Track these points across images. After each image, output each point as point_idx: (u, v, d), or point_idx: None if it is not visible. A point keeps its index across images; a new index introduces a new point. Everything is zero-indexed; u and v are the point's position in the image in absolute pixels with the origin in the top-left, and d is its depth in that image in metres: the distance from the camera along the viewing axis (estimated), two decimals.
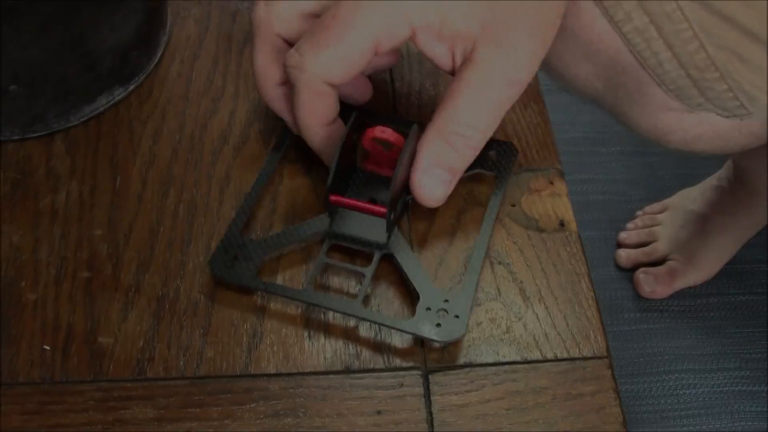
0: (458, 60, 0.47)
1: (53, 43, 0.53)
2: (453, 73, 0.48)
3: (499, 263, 0.50)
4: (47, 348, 0.46)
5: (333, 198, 0.48)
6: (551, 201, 0.53)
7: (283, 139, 0.55)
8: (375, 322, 0.47)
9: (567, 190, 0.54)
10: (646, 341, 1.29)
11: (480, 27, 0.46)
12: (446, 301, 0.47)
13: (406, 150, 0.47)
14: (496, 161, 0.54)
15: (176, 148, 0.56)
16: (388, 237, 0.49)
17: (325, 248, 0.49)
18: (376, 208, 0.48)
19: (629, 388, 1.25)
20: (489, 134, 0.48)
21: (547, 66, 0.64)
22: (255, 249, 0.49)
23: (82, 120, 0.57)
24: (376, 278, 0.49)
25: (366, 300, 0.48)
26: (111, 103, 0.58)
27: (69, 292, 0.49)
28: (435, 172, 0.47)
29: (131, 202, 0.53)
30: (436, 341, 0.46)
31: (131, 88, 0.58)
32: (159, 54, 0.61)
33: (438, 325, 0.46)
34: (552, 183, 0.54)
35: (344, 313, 0.47)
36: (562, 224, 0.52)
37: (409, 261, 0.49)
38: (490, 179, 0.54)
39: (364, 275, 0.48)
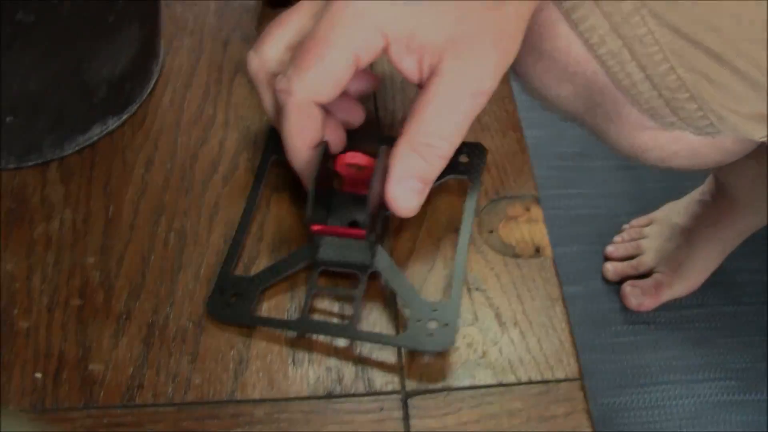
0: (425, 72, 0.49)
1: (50, 74, 0.54)
2: (421, 85, 0.50)
3: (477, 289, 0.52)
4: (39, 375, 0.48)
5: (314, 228, 0.50)
6: (528, 227, 0.55)
7: (263, 171, 0.56)
8: (369, 341, 0.49)
9: (543, 216, 0.56)
10: (633, 353, 1.30)
11: (445, 39, 0.47)
12: (435, 311, 0.49)
13: (376, 172, 0.49)
14: (467, 164, 0.56)
15: (168, 176, 0.57)
16: (372, 256, 0.51)
17: (315, 276, 0.51)
18: (356, 232, 0.50)
19: (617, 400, 1.26)
20: (457, 143, 0.49)
21: (530, 88, 0.66)
22: (249, 286, 0.51)
23: (76, 149, 0.58)
24: (364, 297, 0.50)
25: (358, 321, 0.50)
26: (105, 132, 0.59)
27: (61, 319, 0.50)
28: (408, 183, 0.49)
29: (123, 230, 0.54)
30: (430, 351, 0.48)
31: (125, 117, 0.60)
32: (152, 83, 0.62)
33: (430, 335, 0.48)
34: (528, 209, 0.56)
35: (339, 336, 0.49)
36: (537, 250, 0.54)
37: (395, 277, 0.50)
38: (465, 186, 0.56)
39: (353, 297, 0.50)
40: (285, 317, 0.50)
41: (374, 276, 0.51)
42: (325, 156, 0.50)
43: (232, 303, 0.50)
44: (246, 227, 0.54)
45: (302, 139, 0.50)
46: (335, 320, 0.50)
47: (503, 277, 0.53)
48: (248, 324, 0.50)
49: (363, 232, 0.49)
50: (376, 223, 0.51)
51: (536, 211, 0.56)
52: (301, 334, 0.50)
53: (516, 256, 0.54)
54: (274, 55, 0.52)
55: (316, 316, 0.51)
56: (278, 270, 0.51)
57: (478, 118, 0.57)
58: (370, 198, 0.48)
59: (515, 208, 0.56)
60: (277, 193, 0.56)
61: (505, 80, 0.63)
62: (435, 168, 0.50)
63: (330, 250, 0.51)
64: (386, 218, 0.54)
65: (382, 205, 0.51)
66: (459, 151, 0.54)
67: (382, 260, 0.51)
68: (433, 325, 0.48)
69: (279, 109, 0.51)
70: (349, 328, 0.49)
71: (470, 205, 0.54)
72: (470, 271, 0.53)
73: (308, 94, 0.49)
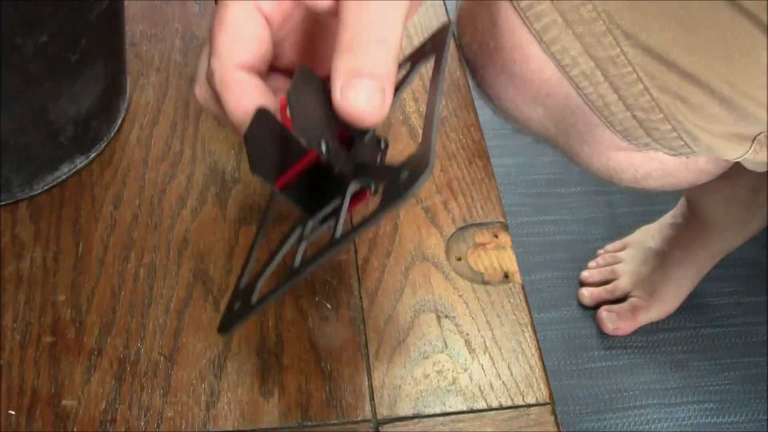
0: None
1: (16, 116, 0.54)
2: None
3: (446, 317, 0.52)
4: (12, 413, 0.48)
5: (278, 184, 0.45)
6: (496, 254, 0.56)
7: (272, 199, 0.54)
8: (350, 239, 0.41)
9: (511, 242, 0.56)
10: (611, 378, 1.31)
11: None
12: (404, 163, 0.40)
13: (295, 82, 0.43)
14: (431, 47, 0.48)
15: (136, 212, 0.58)
16: (345, 170, 0.44)
17: (308, 231, 0.46)
18: (309, 156, 0.44)
19: (595, 425, 1.26)
20: (394, 28, 0.42)
21: (501, 110, 0.66)
22: (249, 286, 0.47)
23: (45, 188, 0.58)
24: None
25: (338, 230, 0.43)
26: (73, 171, 0.59)
27: (33, 356, 0.50)
28: (357, 83, 0.41)
29: (93, 266, 0.55)
30: (407, 195, 0.38)
31: (92, 155, 0.60)
32: (119, 121, 0.63)
33: (404, 181, 0.39)
34: (496, 236, 0.57)
35: (324, 255, 0.42)
36: (506, 276, 0.54)
37: (366, 171, 0.44)
38: (433, 214, 0.56)
39: (338, 215, 0.43)
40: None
41: (360, 186, 0.45)
42: (271, 120, 0.45)
43: (236, 309, 0.46)
44: (253, 252, 0.50)
45: (241, 110, 0.44)
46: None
47: (472, 304, 0.53)
48: (249, 313, 0.45)
49: (314, 153, 0.44)
50: (324, 135, 0.43)
51: (504, 238, 0.57)
52: (261, 362, 0.49)
53: (485, 282, 0.54)
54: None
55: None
56: (273, 256, 0.47)
57: (444, 147, 0.58)
58: (290, 108, 0.42)
59: (483, 235, 0.57)
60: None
61: (471, 108, 0.64)
62: (383, 59, 0.41)
63: (305, 196, 0.46)
64: (377, 140, 0.47)
65: (350, 128, 0.44)
66: (423, 45, 0.49)
67: (349, 166, 0.44)
68: (404, 173, 0.39)
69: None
70: (331, 242, 0.42)
71: (439, 76, 0.45)
72: (439, 299, 0.53)
73: (226, 61, 0.44)
